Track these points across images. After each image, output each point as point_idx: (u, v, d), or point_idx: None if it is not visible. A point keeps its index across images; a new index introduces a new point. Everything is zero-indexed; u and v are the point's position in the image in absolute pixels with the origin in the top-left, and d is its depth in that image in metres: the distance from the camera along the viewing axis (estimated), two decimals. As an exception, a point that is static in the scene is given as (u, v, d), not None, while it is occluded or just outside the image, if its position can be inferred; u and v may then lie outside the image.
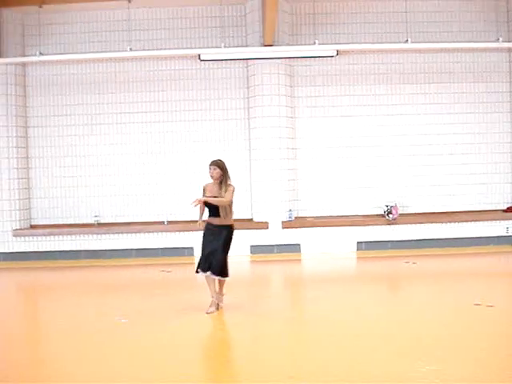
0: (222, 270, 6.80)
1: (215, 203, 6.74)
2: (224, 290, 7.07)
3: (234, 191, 6.83)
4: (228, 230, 6.89)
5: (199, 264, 6.89)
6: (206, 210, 6.94)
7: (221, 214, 6.77)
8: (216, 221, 6.84)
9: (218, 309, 6.88)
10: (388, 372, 4.67)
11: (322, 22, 11.35)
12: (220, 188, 6.80)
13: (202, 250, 6.91)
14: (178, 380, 4.68)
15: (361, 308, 6.90)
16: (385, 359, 4.99)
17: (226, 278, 6.92)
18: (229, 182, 6.86)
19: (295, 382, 4.57)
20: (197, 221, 7.03)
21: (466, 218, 11.18)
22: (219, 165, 6.82)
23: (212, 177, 6.84)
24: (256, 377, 4.76)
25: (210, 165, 6.84)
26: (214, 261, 6.76)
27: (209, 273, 6.79)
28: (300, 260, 10.66)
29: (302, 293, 7.74)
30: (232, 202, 6.86)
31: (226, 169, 6.87)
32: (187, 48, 11.27)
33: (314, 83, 11.42)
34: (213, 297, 6.91)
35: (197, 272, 6.90)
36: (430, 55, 11.44)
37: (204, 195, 6.91)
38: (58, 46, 11.40)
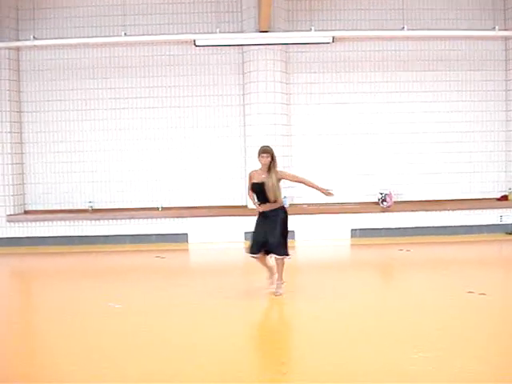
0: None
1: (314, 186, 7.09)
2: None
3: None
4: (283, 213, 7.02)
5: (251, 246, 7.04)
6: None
7: (270, 199, 6.90)
8: (267, 206, 6.98)
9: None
10: (380, 359, 4.69)
11: (318, 8, 11.29)
12: (269, 173, 6.89)
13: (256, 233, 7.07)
14: (168, 370, 4.69)
15: (354, 295, 6.92)
16: (377, 346, 5.01)
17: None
18: (276, 168, 6.95)
19: (287, 368, 4.58)
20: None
21: (460, 206, 11.21)
22: (270, 152, 6.92)
23: (264, 164, 6.91)
24: (245, 367, 4.78)
25: (263, 152, 6.90)
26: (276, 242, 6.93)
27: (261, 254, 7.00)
28: (294, 247, 10.66)
29: (295, 280, 7.74)
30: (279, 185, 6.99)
31: (274, 155, 6.97)
32: (182, 33, 11.20)
33: (309, 70, 11.38)
34: (278, 280, 7.05)
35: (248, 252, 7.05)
36: (427, 43, 11.40)
37: (251, 182, 6.99)
38: (53, 31, 11.30)
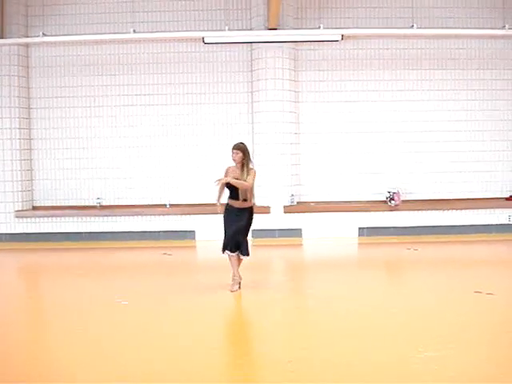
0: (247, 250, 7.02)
1: (238, 185, 6.82)
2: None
3: (255, 175, 6.92)
4: (249, 213, 7.05)
5: (226, 244, 6.96)
6: (226, 191, 7.03)
7: (240, 197, 6.90)
8: (236, 203, 6.96)
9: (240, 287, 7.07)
10: (386, 358, 4.68)
11: (327, 5, 11.26)
12: (242, 171, 6.90)
13: (226, 231, 7.00)
14: (173, 367, 4.70)
15: (361, 294, 6.91)
16: (384, 345, 5.00)
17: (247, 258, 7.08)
18: (250, 166, 6.95)
19: (294, 366, 4.59)
20: (215, 204, 7.02)
21: (468, 206, 11.17)
22: (241, 148, 6.92)
23: (234, 160, 6.93)
24: (252, 365, 4.79)
25: (233, 148, 6.93)
26: (242, 241, 6.96)
27: (237, 253, 6.96)
28: (301, 245, 10.67)
29: (304, 278, 7.75)
30: (253, 186, 6.96)
31: (247, 152, 6.96)
32: (191, 30, 11.20)
33: (318, 68, 11.35)
34: (235, 276, 7.06)
35: (223, 252, 6.99)
36: (436, 41, 11.35)
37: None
38: (62, 27, 11.33)
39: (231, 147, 7.00)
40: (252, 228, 10.75)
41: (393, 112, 11.41)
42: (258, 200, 11.07)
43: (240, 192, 6.86)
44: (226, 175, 6.99)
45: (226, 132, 11.40)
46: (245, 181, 6.83)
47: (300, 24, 11.20)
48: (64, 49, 11.39)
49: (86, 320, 5.97)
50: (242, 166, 6.90)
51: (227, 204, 7.05)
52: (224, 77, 11.38)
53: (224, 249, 6.98)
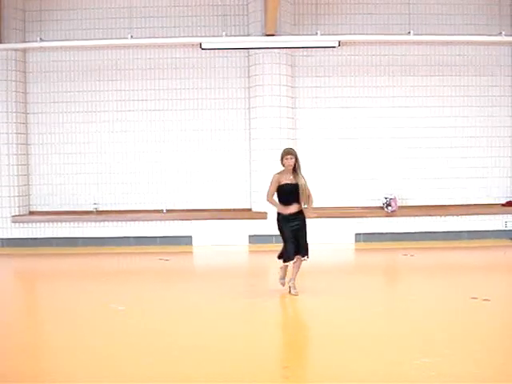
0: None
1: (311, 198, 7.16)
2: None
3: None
4: (302, 214, 7.17)
5: (290, 253, 7.04)
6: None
7: (301, 201, 7.07)
8: (295, 208, 7.05)
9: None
10: (383, 364, 4.68)
11: (325, 12, 11.29)
12: (294, 175, 7.02)
13: (288, 239, 7.07)
14: (168, 371, 4.69)
15: (357, 300, 6.90)
16: (380, 351, 5.00)
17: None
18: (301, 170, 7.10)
19: (290, 372, 4.58)
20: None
21: (464, 212, 11.18)
22: (294, 153, 7.02)
23: (289, 165, 6.99)
24: (248, 371, 4.77)
25: (287, 154, 6.99)
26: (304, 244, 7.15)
27: (298, 256, 7.07)
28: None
29: (299, 285, 7.72)
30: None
31: (297, 157, 7.05)
32: (188, 36, 11.22)
33: (315, 74, 11.38)
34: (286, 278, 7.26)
35: (287, 261, 7.09)
36: (433, 48, 11.39)
37: (280, 183, 7.02)
38: (59, 33, 11.33)
39: (283, 153, 7.03)
40: (249, 234, 10.97)
41: (389, 118, 11.42)
42: (255, 205, 11.10)
43: (302, 197, 7.01)
44: (277, 183, 7.02)
45: (222, 137, 11.40)
46: (303, 185, 6.99)
47: (297, 30, 11.23)
48: (61, 54, 11.39)
49: (80, 325, 5.95)
50: (294, 169, 6.99)
51: (280, 214, 7.09)
52: (221, 82, 11.39)
53: (288, 258, 7.04)
